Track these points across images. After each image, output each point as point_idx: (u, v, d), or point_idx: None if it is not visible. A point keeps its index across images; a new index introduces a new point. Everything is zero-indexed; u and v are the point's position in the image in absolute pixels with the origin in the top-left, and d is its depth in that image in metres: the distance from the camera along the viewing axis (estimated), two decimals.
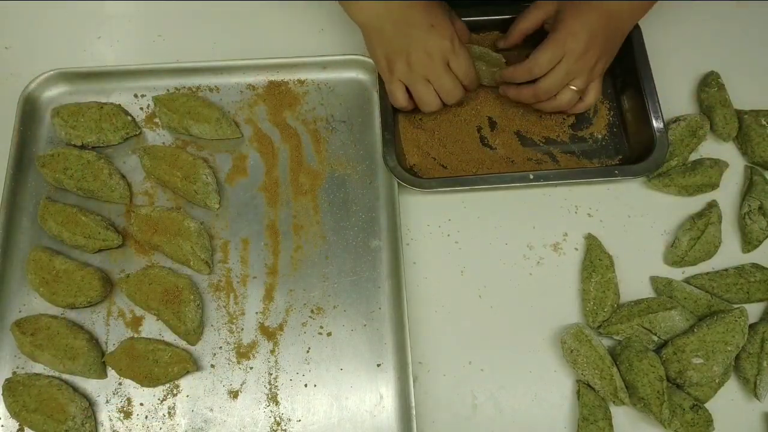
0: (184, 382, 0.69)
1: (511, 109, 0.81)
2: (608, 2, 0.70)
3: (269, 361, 0.70)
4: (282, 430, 0.67)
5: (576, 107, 0.76)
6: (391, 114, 0.77)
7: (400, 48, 0.71)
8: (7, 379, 0.68)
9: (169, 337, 0.70)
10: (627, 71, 0.81)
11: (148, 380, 0.68)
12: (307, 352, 0.70)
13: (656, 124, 0.76)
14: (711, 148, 0.81)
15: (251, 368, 0.69)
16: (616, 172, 0.76)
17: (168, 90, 0.81)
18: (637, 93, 0.79)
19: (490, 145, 0.79)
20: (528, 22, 0.78)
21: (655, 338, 0.70)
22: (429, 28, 0.70)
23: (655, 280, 0.74)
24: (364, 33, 0.73)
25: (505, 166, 0.78)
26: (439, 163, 0.78)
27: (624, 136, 0.81)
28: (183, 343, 0.70)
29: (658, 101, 0.77)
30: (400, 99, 0.74)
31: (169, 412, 0.68)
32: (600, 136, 0.81)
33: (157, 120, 0.80)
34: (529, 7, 0.77)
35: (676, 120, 0.80)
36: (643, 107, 0.77)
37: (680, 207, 0.78)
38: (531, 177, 0.74)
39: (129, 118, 0.78)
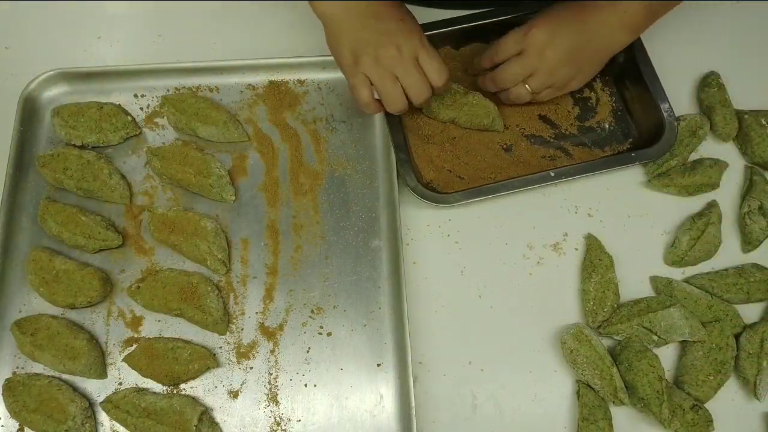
0: (184, 383, 0.69)
1: (512, 108, 0.81)
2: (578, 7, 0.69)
3: (269, 361, 0.70)
4: (282, 430, 0.67)
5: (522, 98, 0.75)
6: (401, 133, 0.75)
7: (367, 41, 0.66)
8: (7, 379, 0.67)
9: (178, 335, 0.70)
10: (624, 59, 0.80)
11: (168, 379, 0.68)
12: (307, 352, 0.70)
13: (662, 105, 0.77)
14: (711, 148, 0.81)
15: (251, 368, 0.69)
16: (633, 155, 0.76)
17: (168, 90, 0.80)
18: (638, 78, 0.79)
19: (502, 149, 0.79)
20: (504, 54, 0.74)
21: (655, 338, 0.70)
22: (398, 21, 0.67)
23: (655, 280, 0.74)
24: (328, 26, 0.68)
25: (521, 168, 0.78)
26: (456, 174, 0.77)
27: (630, 120, 0.81)
28: (201, 341, 0.70)
29: (660, 84, 0.77)
30: (364, 95, 0.69)
31: None
32: (606, 124, 0.81)
33: (157, 120, 0.80)
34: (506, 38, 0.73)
35: (676, 120, 0.80)
36: (646, 91, 0.78)
37: (680, 207, 0.78)
38: (552, 175, 0.74)
39: (129, 118, 0.78)
